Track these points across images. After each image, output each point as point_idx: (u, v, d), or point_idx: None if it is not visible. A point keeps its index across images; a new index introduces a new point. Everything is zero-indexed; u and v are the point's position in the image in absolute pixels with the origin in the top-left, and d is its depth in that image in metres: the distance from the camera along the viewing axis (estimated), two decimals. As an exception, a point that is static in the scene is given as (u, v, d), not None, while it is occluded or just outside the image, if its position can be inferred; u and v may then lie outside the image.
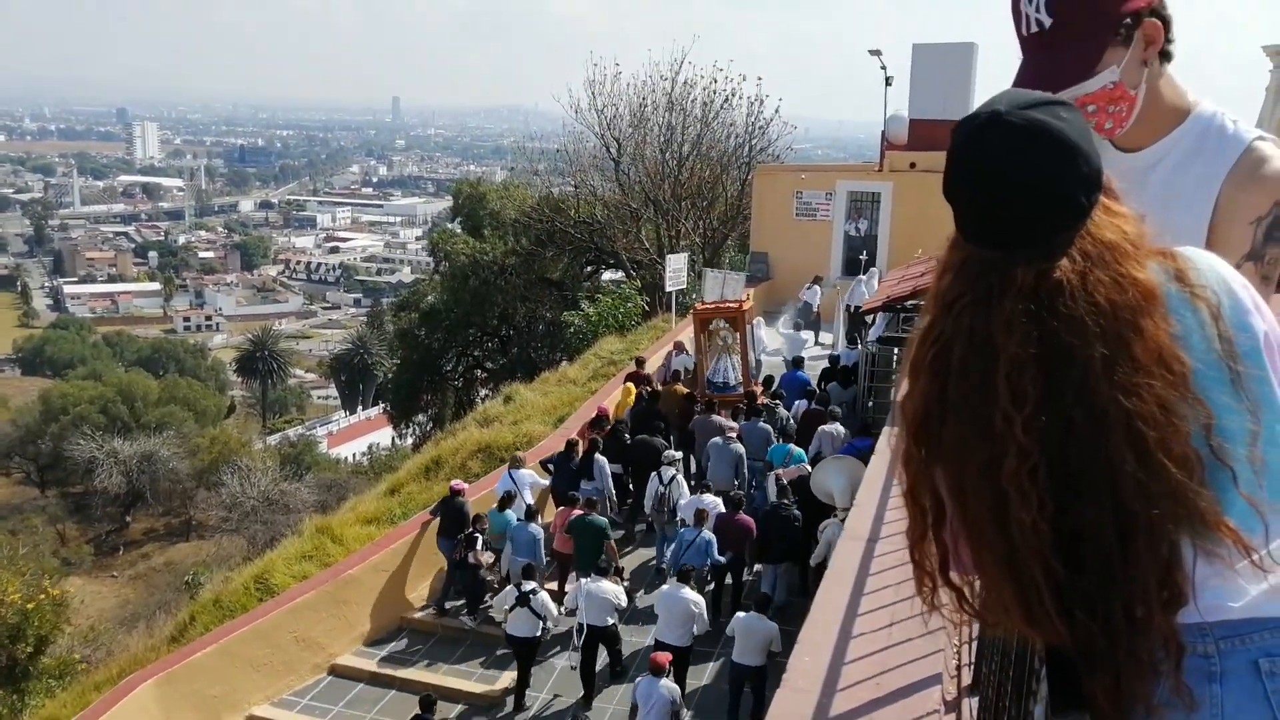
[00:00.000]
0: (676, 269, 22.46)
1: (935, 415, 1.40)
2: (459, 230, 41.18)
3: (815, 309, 23.25)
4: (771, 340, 21.59)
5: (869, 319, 17.17)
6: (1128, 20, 1.80)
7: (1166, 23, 1.86)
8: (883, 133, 27.00)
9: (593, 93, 32.67)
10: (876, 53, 26.48)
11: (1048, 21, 1.80)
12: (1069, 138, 1.35)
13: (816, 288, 23.55)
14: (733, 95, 32.41)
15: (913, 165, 24.97)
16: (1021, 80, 1.80)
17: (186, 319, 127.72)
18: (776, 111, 32.99)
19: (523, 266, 34.81)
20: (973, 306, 1.37)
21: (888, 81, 26.67)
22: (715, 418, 14.48)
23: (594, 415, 15.65)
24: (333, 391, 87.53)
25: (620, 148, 32.92)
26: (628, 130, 32.83)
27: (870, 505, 6.64)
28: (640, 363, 17.99)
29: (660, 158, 32.41)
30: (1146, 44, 1.84)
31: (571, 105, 33.04)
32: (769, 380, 17.25)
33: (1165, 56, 1.90)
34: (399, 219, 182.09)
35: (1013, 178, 1.34)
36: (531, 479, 13.71)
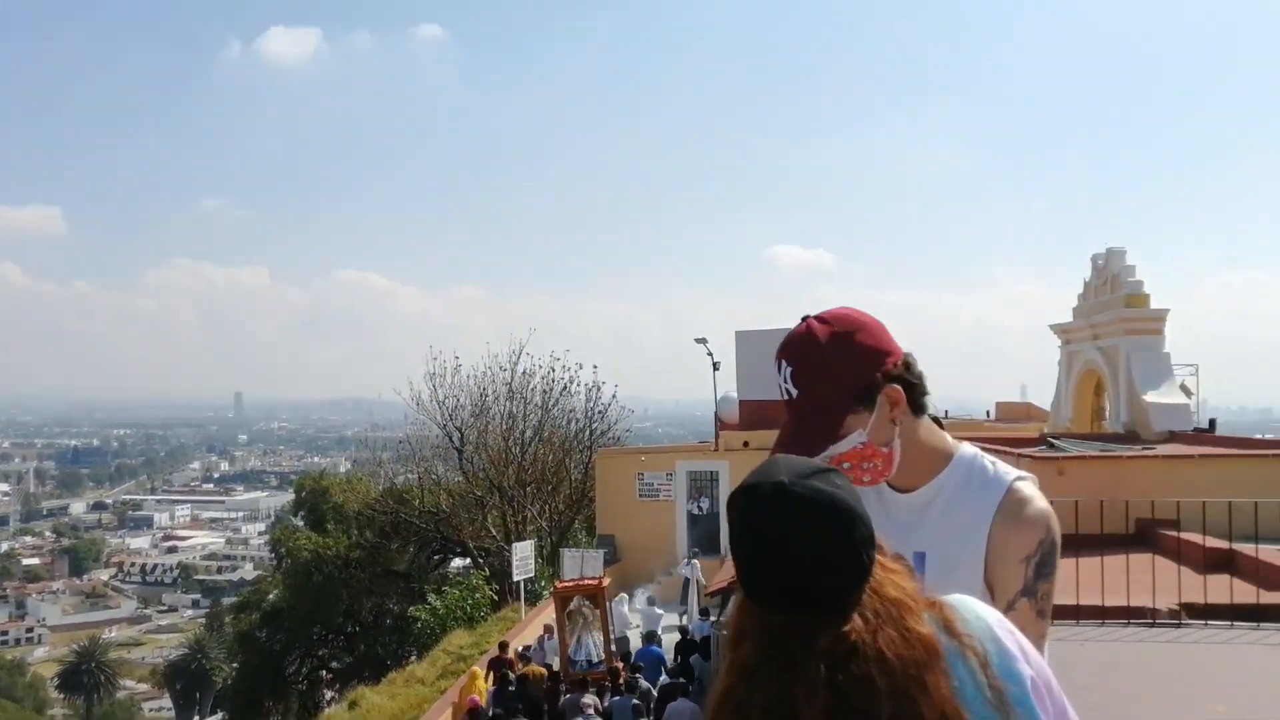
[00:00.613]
0: (523, 557, 22.56)
1: None
2: (302, 525, 40.47)
3: (695, 583, 23.44)
4: (630, 616, 21.69)
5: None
6: (867, 389, 1.95)
7: (910, 384, 2.00)
8: (715, 413, 28.25)
9: (434, 385, 33.51)
10: (702, 340, 28.11)
11: (795, 392, 1.95)
12: (849, 504, 1.40)
13: (695, 563, 23.88)
14: (571, 382, 33.65)
15: (746, 444, 26.07)
16: (782, 440, 1.94)
17: (4, 633, 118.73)
18: (614, 396, 34.30)
19: (368, 560, 34.24)
20: (774, 673, 1.36)
21: (715, 366, 28.19)
22: (584, 698, 14.41)
23: (469, 709, 15.26)
24: (167, 702, 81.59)
25: (463, 437, 33.45)
26: (470, 420, 33.51)
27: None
28: (504, 646, 17.80)
29: (503, 445, 32.99)
30: (891, 406, 1.97)
31: (414, 398, 33.72)
32: (627, 656, 17.28)
33: (919, 409, 2.03)
34: (241, 515, 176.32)
35: (804, 547, 1.36)
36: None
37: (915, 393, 2.01)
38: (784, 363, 1.98)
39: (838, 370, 1.94)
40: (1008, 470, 2.03)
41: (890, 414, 1.97)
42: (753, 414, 26.55)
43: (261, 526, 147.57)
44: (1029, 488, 2.00)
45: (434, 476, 34.69)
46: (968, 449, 2.08)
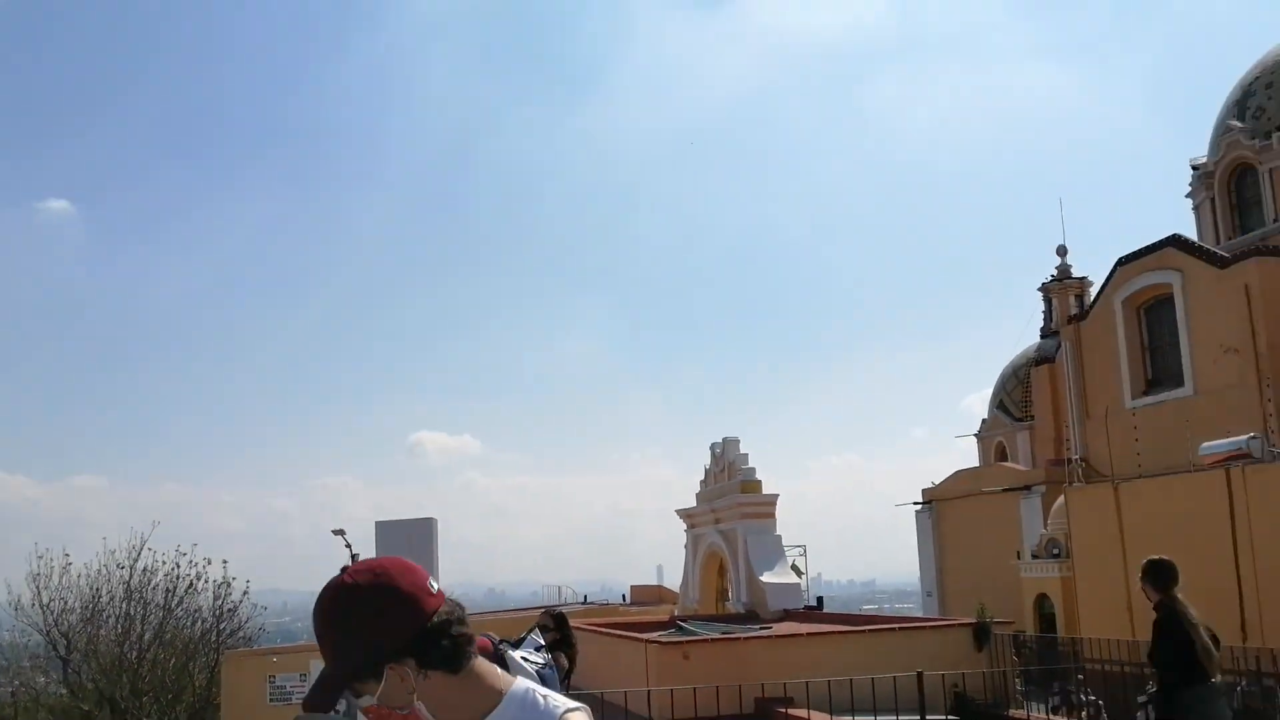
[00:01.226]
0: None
1: None
2: None
3: None
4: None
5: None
6: (370, 662, 1.98)
7: (438, 647, 2.00)
8: (355, 606, 27.40)
9: (38, 586, 30.35)
10: (340, 532, 27.27)
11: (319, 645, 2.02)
12: None
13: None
14: (198, 579, 31.55)
15: (385, 638, 25.42)
16: (315, 683, 2.03)
17: None
18: (245, 592, 32.46)
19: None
20: None
21: (353, 558, 27.46)
22: None
23: None
24: None
25: (69, 644, 30.37)
26: (79, 624, 30.54)
27: None
28: None
29: (118, 651, 30.22)
30: (400, 679, 1.98)
31: (12, 601, 30.36)
32: None
33: (456, 666, 2.03)
34: None
35: None
36: None
37: (447, 655, 2.01)
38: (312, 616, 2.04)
39: (340, 642, 1.99)
40: (559, 704, 2.10)
41: (401, 684, 1.98)
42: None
43: None
44: (580, 717, 2.09)
45: (32, 691, 31.10)
46: (520, 685, 2.11)
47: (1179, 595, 7.39)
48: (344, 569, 2.01)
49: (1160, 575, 7.48)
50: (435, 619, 1.99)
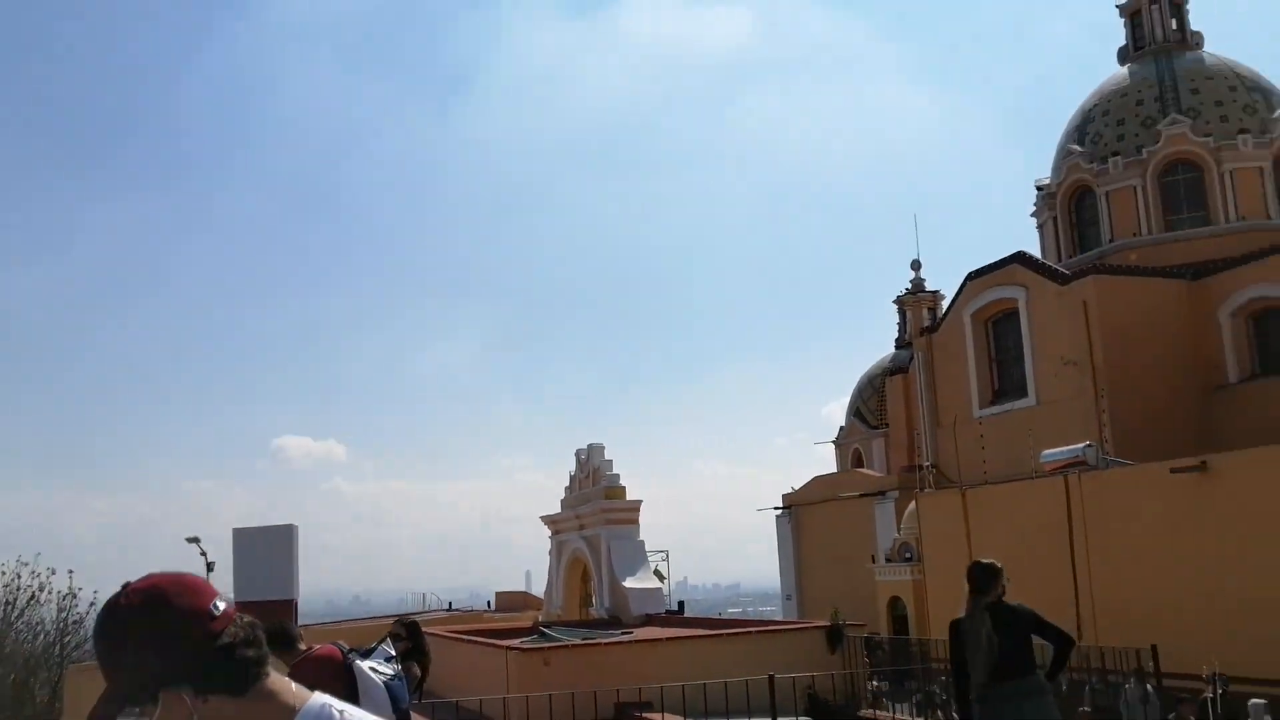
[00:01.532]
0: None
1: None
2: None
3: None
4: None
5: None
6: (143, 687, 1.90)
7: (205, 678, 1.90)
8: (209, 617, 26.68)
9: None
10: (195, 540, 26.74)
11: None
12: None
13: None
14: (41, 590, 30.30)
15: (241, 649, 24.79)
16: (96, 703, 1.94)
17: None
18: (93, 604, 31.27)
19: None
20: None
21: (209, 566, 26.81)
22: None
23: None
24: None
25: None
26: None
27: None
28: None
29: (-50, 669, 28.82)
30: (176, 703, 1.89)
31: None
32: None
33: (239, 690, 1.94)
34: None
35: None
36: None
37: (228, 679, 1.91)
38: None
39: (113, 665, 1.91)
40: (357, 714, 2.04)
41: (178, 709, 1.89)
42: (249, 614, 25.39)
43: None
44: None
45: None
46: (315, 701, 2.01)
47: (981, 597, 7.28)
48: (125, 586, 1.92)
49: (970, 578, 7.47)
50: (218, 642, 1.88)
